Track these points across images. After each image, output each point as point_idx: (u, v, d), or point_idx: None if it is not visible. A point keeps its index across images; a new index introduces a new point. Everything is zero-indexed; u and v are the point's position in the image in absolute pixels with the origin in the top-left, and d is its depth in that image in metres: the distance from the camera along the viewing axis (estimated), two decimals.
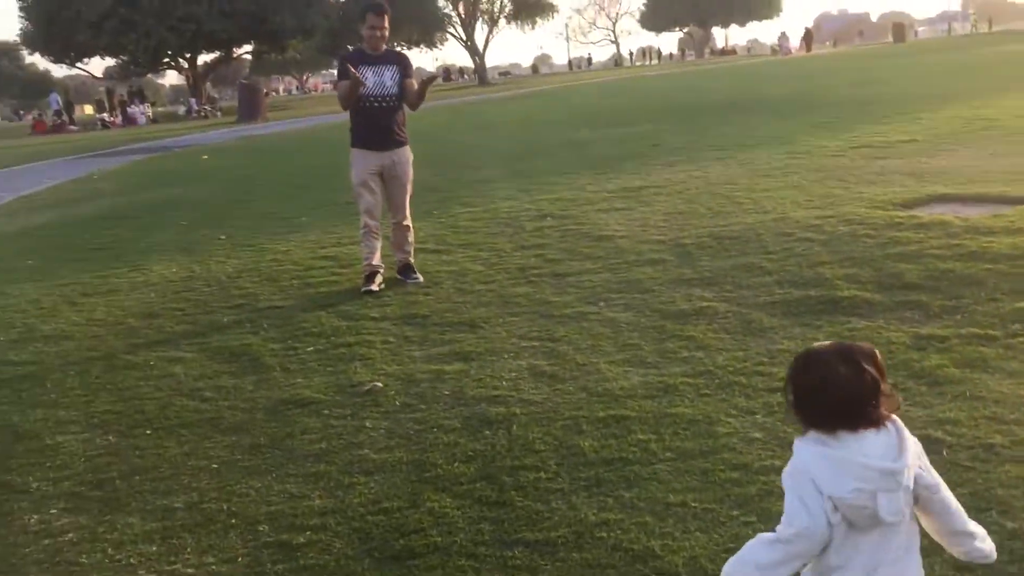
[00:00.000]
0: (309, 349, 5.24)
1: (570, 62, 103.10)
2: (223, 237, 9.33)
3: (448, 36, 74.03)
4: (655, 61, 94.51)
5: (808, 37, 64.36)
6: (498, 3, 70.28)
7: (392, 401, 4.30)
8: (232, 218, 10.68)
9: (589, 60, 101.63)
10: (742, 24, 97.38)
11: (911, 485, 1.86)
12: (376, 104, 6.43)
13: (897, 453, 1.85)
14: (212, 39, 49.92)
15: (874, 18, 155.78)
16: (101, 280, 7.64)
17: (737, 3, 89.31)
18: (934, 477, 1.94)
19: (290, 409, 4.30)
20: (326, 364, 4.95)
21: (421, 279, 6.66)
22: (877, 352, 1.90)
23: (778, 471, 2.03)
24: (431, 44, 77.30)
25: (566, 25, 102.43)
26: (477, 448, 3.72)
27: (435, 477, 3.48)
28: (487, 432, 3.87)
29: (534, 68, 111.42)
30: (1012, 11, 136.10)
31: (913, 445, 1.89)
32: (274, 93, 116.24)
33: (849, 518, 1.84)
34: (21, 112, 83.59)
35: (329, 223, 9.75)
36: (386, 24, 6.47)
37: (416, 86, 6.53)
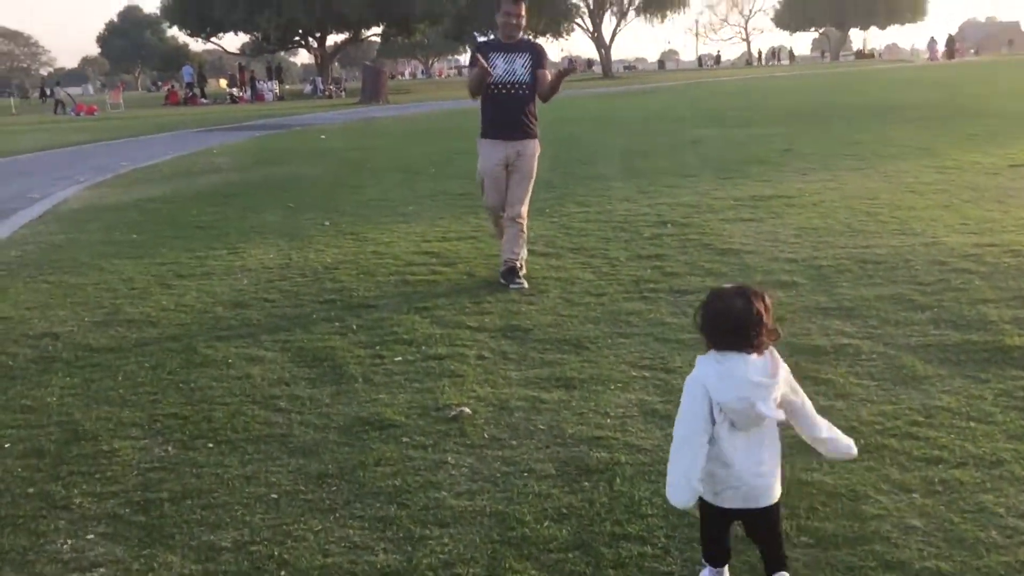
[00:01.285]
0: (397, 359, 4.78)
1: (699, 58, 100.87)
2: (327, 223, 9.01)
3: (575, 27, 73.30)
4: (785, 61, 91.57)
5: (951, 43, 61.07)
6: None
7: (480, 432, 3.79)
8: (339, 203, 10.38)
9: (718, 58, 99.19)
10: (883, 27, 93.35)
11: (778, 398, 2.47)
12: (505, 91, 6.18)
13: (771, 373, 2.45)
14: (342, 20, 50.56)
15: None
16: (198, 261, 7.39)
17: (880, 4, 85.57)
18: (800, 396, 2.59)
19: (367, 431, 3.84)
20: (412, 379, 4.47)
21: (525, 285, 6.15)
22: (767, 295, 2.52)
23: None
24: (557, 34, 76.72)
25: (696, 21, 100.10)
26: (573, 504, 3.16)
27: (520, 538, 2.95)
28: (586, 483, 3.31)
29: (660, 63, 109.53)
30: None
31: (784, 370, 2.50)
32: (399, 76, 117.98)
33: (732, 419, 2.44)
34: (159, 83, 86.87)
35: (437, 214, 9.34)
36: (522, 12, 6.22)
37: (550, 77, 6.19)
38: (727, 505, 2.53)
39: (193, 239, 8.44)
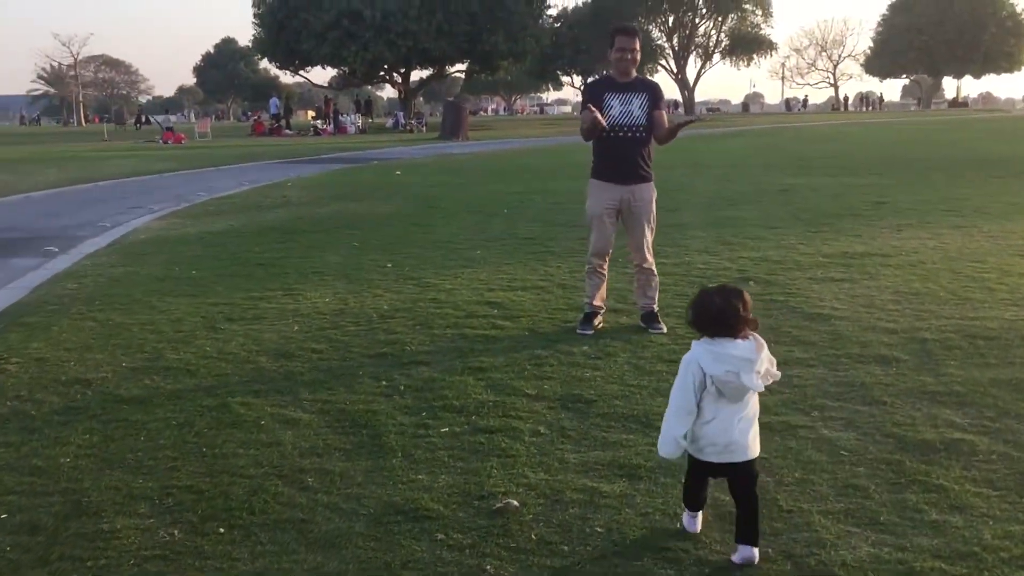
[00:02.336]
0: (443, 430, 4.30)
1: (787, 102, 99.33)
2: (389, 265, 8.64)
3: (659, 68, 73.00)
4: (873, 108, 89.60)
5: None
6: (714, 37, 68.49)
7: (527, 532, 3.27)
8: (405, 243, 10.03)
9: (804, 101, 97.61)
10: (977, 76, 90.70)
11: (761, 371, 3.07)
12: (621, 134, 5.91)
13: (755, 352, 3.05)
14: (427, 56, 51.12)
15: None
16: (251, 303, 7.05)
17: (976, 53, 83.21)
18: (774, 369, 3.16)
19: (399, 522, 3.35)
20: (458, 456, 3.98)
21: (664, 328, 6.00)
22: (746, 293, 3.09)
23: None
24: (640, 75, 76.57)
25: (782, 64, 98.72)
26: None
27: None
28: None
29: (744, 106, 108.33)
30: None
31: (765, 350, 3.09)
32: (482, 112, 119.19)
33: (720, 389, 3.04)
34: (249, 113, 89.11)
35: (504, 260, 8.89)
36: (637, 46, 5.95)
37: (667, 120, 5.97)
38: (709, 459, 3.12)
39: (251, 278, 8.14)
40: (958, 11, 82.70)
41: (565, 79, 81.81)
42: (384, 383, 5.03)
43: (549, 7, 56.23)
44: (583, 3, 71.02)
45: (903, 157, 21.37)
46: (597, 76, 6.60)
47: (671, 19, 68.05)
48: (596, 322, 6.14)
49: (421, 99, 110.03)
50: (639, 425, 4.34)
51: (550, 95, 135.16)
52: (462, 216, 12.47)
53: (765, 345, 3.10)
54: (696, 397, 3.06)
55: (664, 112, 6.01)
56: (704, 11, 67.90)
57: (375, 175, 20.32)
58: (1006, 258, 8.28)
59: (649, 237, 6.16)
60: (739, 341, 3.04)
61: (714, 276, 7.85)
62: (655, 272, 6.22)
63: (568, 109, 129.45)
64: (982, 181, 15.03)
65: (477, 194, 15.37)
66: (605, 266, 6.28)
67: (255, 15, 51.16)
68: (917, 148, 24.89)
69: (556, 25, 66.37)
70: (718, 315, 3.04)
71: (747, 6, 66.31)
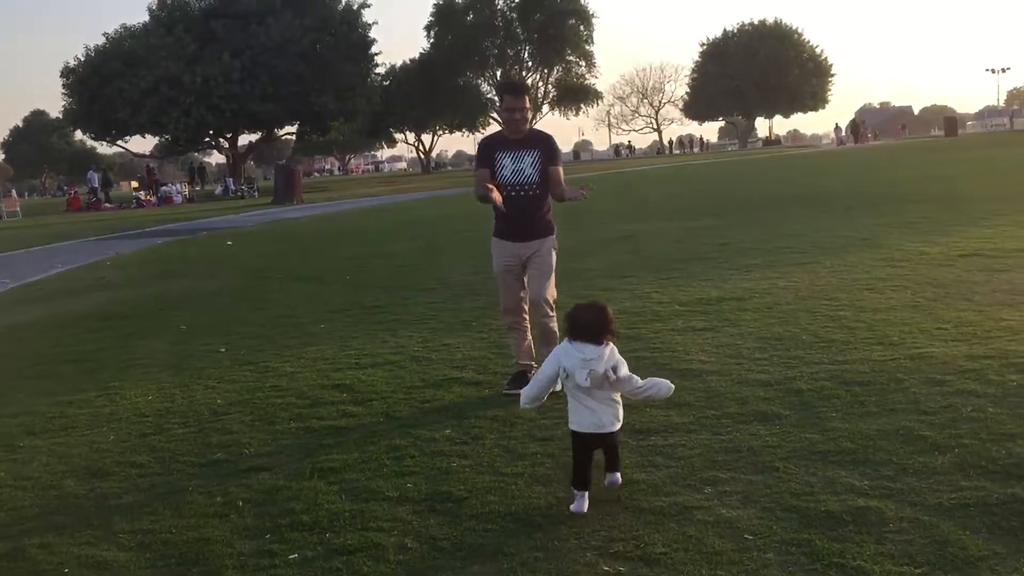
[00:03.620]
0: (292, 556, 3.63)
1: (617, 148, 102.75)
2: (223, 350, 7.84)
3: (490, 120, 73.97)
4: (696, 150, 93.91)
5: (856, 128, 63.17)
6: (542, 89, 70.09)
7: None
8: (240, 322, 9.21)
9: (631, 147, 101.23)
10: (786, 115, 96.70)
11: (599, 372, 3.86)
12: (514, 193, 5.77)
13: (598, 356, 3.86)
14: (254, 119, 49.85)
15: (916, 111, 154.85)
16: (57, 411, 6.12)
17: (783, 94, 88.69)
18: (620, 373, 3.92)
19: None
20: None
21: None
22: (609, 309, 4.05)
23: None
24: (473, 128, 77.34)
25: (608, 112, 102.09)
26: None
27: None
28: None
29: (575, 154, 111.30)
30: None
31: (611, 355, 3.91)
32: (316, 173, 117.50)
33: (570, 379, 3.92)
34: (65, 188, 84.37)
35: (350, 333, 8.24)
36: (526, 104, 5.85)
37: (562, 179, 5.86)
38: (585, 431, 3.93)
39: (59, 378, 7.16)
40: (763, 56, 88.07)
41: (398, 136, 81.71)
42: (219, 499, 4.30)
43: (377, 65, 56.10)
44: (411, 60, 71.32)
45: (734, 197, 22.01)
46: (489, 134, 6.33)
47: (499, 73, 69.21)
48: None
49: (252, 163, 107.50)
50: (519, 524, 3.81)
51: (384, 152, 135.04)
52: (300, 286, 11.71)
53: (614, 355, 3.94)
54: (552, 380, 4.10)
55: (559, 168, 5.87)
56: (530, 64, 69.47)
57: (203, 247, 19.16)
58: (855, 293, 8.30)
59: (549, 289, 5.88)
60: (591, 346, 3.91)
61: None
62: (553, 326, 5.84)
63: (403, 165, 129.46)
64: (811, 216, 15.49)
65: (315, 261, 14.62)
66: (524, 321, 6.02)
67: (64, 85, 48.45)
68: (744, 187, 25.80)
69: (385, 83, 66.24)
70: (586, 327, 3.95)
71: (571, 58, 68.24)
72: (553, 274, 5.95)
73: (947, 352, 5.91)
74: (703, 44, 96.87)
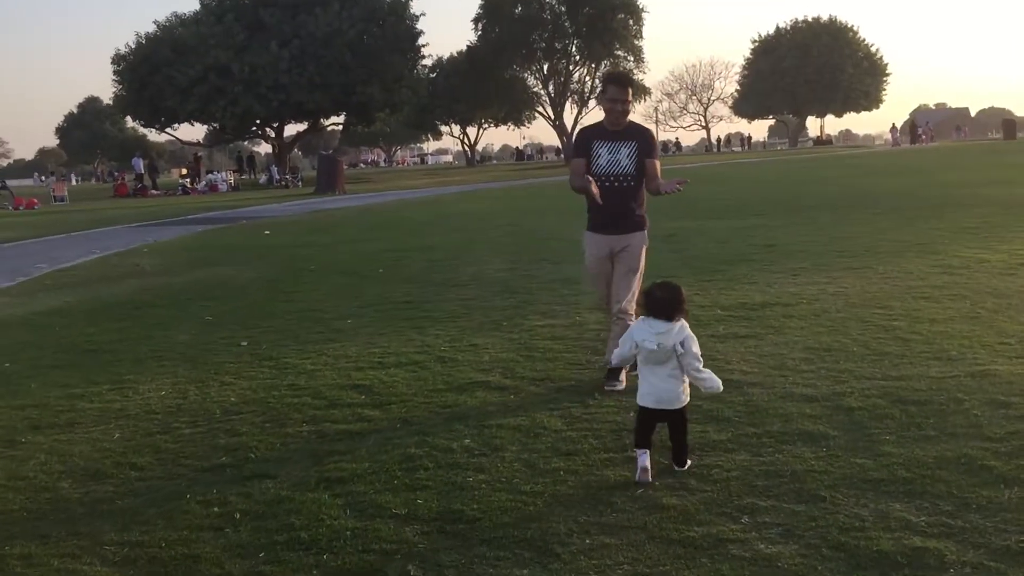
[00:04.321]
0: None
1: (664, 144, 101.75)
2: (244, 343, 7.59)
3: (536, 114, 73.51)
4: (740, 148, 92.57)
5: (913, 128, 61.69)
6: (589, 84, 69.43)
7: None
8: (266, 315, 8.97)
9: (678, 144, 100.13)
10: (839, 115, 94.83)
11: (667, 346, 4.13)
12: (609, 184, 5.73)
13: (667, 330, 4.14)
14: (300, 109, 49.83)
15: (973, 113, 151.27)
16: (66, 404, 5.90)
17: (836, 93, 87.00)
18: (688, 350, 4.17)
19: None
20: None
21: (622, 387, 5.55)
22: (681, 288, 4.30)
23: None
24: (519, 122, 76.93)
25: (655, 108, 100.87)
26: None
27: None
28: None
29: None
30: None
31: (681, 330, 4.19)
32: (361, 164, 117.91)
33: (641, 350, 4.19)
34: (115, 173, 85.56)
35: (377, 329, 7.96)
36: (629, 96, 5.81)
37: (659, 173, 5.81)
38: (647, 405, 4.18)
39: (76, 368, 6.96)
40: (817, 54, 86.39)
41: (444, 129, 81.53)
42: (216, 509, 4.01)
43: (424, 57, 55.85)
44: (458, 53, 71.07)
45: (783, 197, 21.42)
46: (590, 124, 6.17)
47: (546, 67, 68.61)
48: (621, 376, 5.65)
49: (299, 153, 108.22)
50: (534, 553, 3.46)
51: (430, 145, 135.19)
52: (332, 279, 11.46)
53: (686, 331, 4.23)
54: (632, 349, 4.29)
55: (656, 161, 5.81)
56: (578, 58, 68.72)
57: (241, 236, 19.05)
58: (910, 302, 7.82)
59: (634, 286, 5.79)
60: (662, 321, 4.19)
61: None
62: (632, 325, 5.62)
63: (449, 158, 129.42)
64: (865, 219, 14.92)
65: (350, 253, 14.38)
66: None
67: (115, 72, 48.88)
68: (794, 187, 25.15)
69: (432, 75, 66.05)
70: (659, 304, 4.22)
71: (619, 52, 67.29)
72: (641, 272, 5.85)
73: (1012, 370, 5.44)
74: (755, 41, 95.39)
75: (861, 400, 5.06)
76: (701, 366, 4.21)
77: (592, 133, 5.88)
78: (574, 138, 6.07)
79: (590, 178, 5.61)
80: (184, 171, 53.58)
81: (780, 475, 4.08)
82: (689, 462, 4.21)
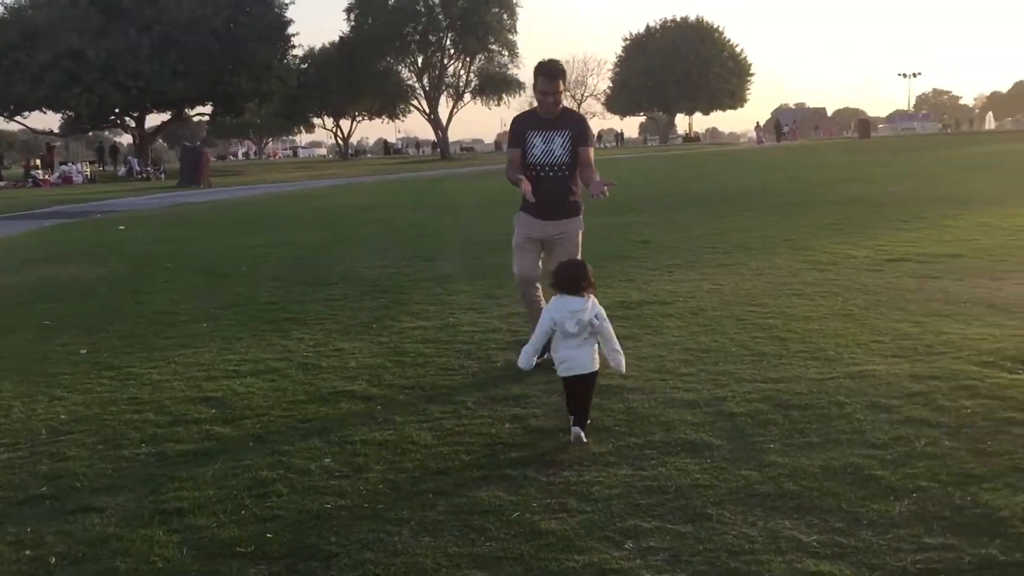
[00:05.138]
0: None
1: None
2: (84, 351, 6.90)
3: (411, 108, 72.72)
4: (613, 144, 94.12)
5: (778, 127, 63.96)
6: (464, 78, 69.11)
7: None
8: (113, 318, 8.24)
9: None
10: (706, 113, 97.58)
11: (584, 320, 4.40)
12: (543, 173, 5.81)
13: (582, 307, 4.41)
14: (162, 98, 47.73)
15: (829, 113, 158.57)
16: None
17: (703, 92, 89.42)
18: (602, 322, 4.47)
19: None
20: None
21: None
22: (588, 266, 4.59)
23: None
24: (393, 116, 75.89)
25: (530, 104, 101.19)
26: None
27: None
28: None
29: (497, 144, 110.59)
30: (964, 111, 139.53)
31: (593, 305, 4.46)
32: (231, 157, 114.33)
33: (559, 328, 4.43)
34: None
35: (235, 333, 7.39)
36: (560, 88, 5.83)
37: (591, 157, 5.87)
38: (567, 375, 4.48)
39: None
40: (684, 53, 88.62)
41: (317, 121, 79.66)
42: (27, 553, 3.46)
43: (294, 46, 54.34)
44: (330, 43, 69.47)
45: (655, 193, 21.61)
46: (525, 109, 6.48)
47: (420, 59, 67.87)
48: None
49: (164, 144, 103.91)
50: None
51: (303, 138, 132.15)
52: (190, 278, 10.73)
53: (596, 304, 4.49)
54: (548, 334, 4.50)
55: (590, 149, 5.87)
56: (452, 52, 68.26)
57: (95, 231, 17.85)
58: (784, 299, 7.78)
59: None
60: (575, 298, 4.44)
61: (483, 340, 6.79)
62: None
63: (323, 151, 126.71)
64: (734, 215, 15.10)
65: (212, 250, 13.59)
66: (538, 292, 5.99)
67: None
68: (666, 183, 25.48)
69: (303, 66, 64.40)
70: (567, 280, 4.47)
71: (494, 47, 67.22)
72: (579, 256, 5.81)
73: (889, 370, 5.37)
74: (626, 39, 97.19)
75: (743, 405, 4.87)
76: (614, 338, 4.53)
77: (526, 123, 5.90)
78: (509, 127, 6.17)
79: (522, 177, 5.69)
80: (37, 161, 50.43)
81: (664, 491, 3.81)
82: (587, 422, 4.50)
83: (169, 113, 52.96)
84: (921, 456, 4.01)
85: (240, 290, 9.64)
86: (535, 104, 6.01)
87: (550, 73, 5.79)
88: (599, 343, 4.51)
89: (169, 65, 45.11)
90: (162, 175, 44.32)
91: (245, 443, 4.67)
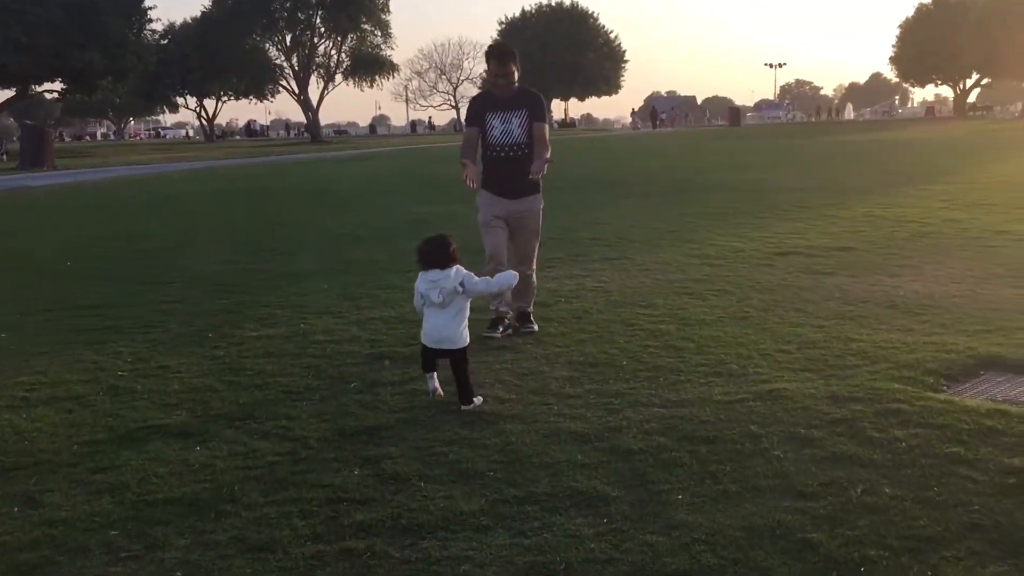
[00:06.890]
0: None
1: (413, 124, 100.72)
2: None
3: (280, 88, 70.09)
4: None
5: (654, 114, 64.57)
6: (335, 58, 66.96)
7: None
8: None
9: (430, 123, 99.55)
10: (581, 98, 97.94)
11: (448, 288, 4.51)
12: (503, 154, 6.01)
13: (444, 276, 4.52)
14: (3, 73, 44.00)
15: (699, 101, 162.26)
16: None
17: (579, 77, 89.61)
18: (474, 287, 4.60)
19: None
20: None
21: (536, 328, 6.14)
22: (451, 239, 4.66)
23: None
24: (261, 96, 73.03)
25: (405, 87, 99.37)
26: None
27: None
28: None
29: (371, 128, 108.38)
30: (824, 101, 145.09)
31: (458, 273, 4.55)
32: (87, 138, 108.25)
33: (425, 300, 4.58)
34: None
35: (38, 346, 6.21)
36: (511, 69, 5.94)
37: (545, 133, 6.06)
38: (425, 344, 4.65)
39: None
40: (559, 37, 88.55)
41: (180, 100, 75.91)
42: None
43: (151, 21, 51.12)
44: (192, 19, 66.10)
45: None
46: (480, 90, 6.29)
47: (288, 38, 65.31)
48: (501, 329, 6.08)
49: (13, 122, 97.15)
50: None
51: (168, 118, 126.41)
52: (3, 275, 9.30)
53: (462, 273, 4.60)
54: (419, 303, 4.70)
55: (544, 125, 6.04)
56: (323, 30, 65.95)
57: None
58: (675, 299, 7.10)
59: (535, 246, 6.28)
60: (438, 270, 4.58)
61: (336, 352, 5.81)
62: (535, 280, 6.34)
63: (189, 132, 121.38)
64: (615, 204, 14.48)
65: (36, 241, 12.06)
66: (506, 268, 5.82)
67: None
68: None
69: (163, 42, 61.03)
70: (430, 255, 4.64)
71: (366, 26, 65.28)
72: (540, 233, 6.26)
73: (802, 389, 4.68)
74: (502, 23, 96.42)
75: (641, 439, 4.07)
76: (490, 281, 4.77)
77: (483, 103, 6.07)
78: (467, 107, 6.38)
79: (467, 162, 5.80)
80: None
81: (550, 570, 2.96)
82: (476, 400, 4.56)
83: (13, 89, 49.05)
84: (861, 510, 3.29)
85: (59, 290, 8.34)
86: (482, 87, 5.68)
87: (499, 56, 5.91)
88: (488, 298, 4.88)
89: (11, 38, 41.61)
90: (3, 155, 40.96)
91: (10, 509, 3.58)
